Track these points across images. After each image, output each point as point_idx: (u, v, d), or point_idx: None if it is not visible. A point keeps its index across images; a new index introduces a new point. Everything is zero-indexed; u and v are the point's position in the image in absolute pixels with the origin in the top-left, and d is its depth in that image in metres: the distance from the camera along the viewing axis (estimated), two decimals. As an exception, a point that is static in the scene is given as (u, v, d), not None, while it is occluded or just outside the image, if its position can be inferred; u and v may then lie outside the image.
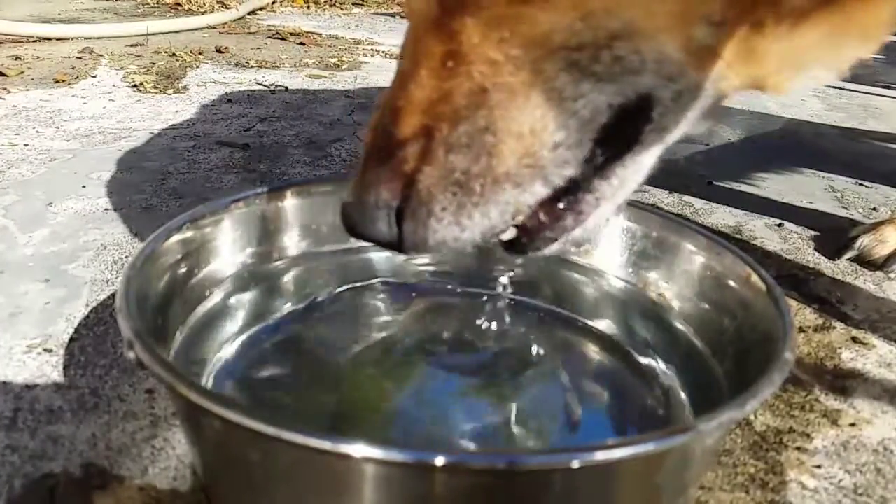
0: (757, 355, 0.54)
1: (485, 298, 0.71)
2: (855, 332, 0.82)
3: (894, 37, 0.45)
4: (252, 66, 2.06)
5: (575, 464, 0.38)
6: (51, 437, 0.58)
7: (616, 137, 0.41)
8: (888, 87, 2.33)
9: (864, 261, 0.99)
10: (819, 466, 0.60)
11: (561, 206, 0.43)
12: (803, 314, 0.85)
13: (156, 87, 1.75)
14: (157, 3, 3.18)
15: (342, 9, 3.59)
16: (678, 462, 0.45)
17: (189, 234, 0.63)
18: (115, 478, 0.54)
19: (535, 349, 0.66)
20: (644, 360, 0.66)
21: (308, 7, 3.51)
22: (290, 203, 0.72)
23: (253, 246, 0.70)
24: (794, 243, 1.06)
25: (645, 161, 0.44)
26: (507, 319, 0.68)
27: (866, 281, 0.95)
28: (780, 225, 1.12)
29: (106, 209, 1.03)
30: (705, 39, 0.38)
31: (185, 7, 3.11)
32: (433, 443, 0.56)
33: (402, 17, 3.43)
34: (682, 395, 0.62)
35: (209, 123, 1.48)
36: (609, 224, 0.72)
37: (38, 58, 1.99)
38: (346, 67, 2.15)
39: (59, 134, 1.36)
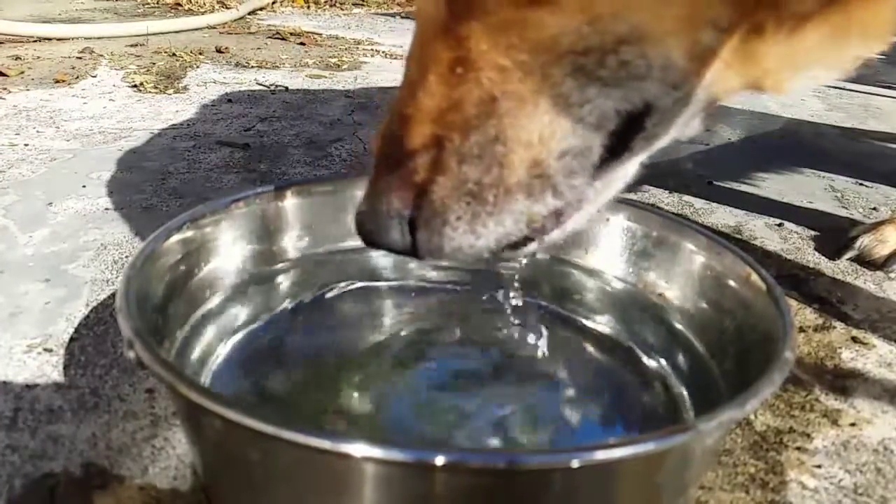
0: (757, 355, 0.54)
1: (485, 298, 0.72)
2: (855, 332, 0.82)
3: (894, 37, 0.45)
4: (252, 66, 2.06)
5: (575, 463, 0.38)
6: (51, 436, 0.58)
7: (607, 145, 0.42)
8: (888, 87, 2.33)
9: (864, 261, 0.99)
10: (819, 466, 0.60)
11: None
12: (803, 314, 0.85)
13: (156, 87, 1.75)
14: (158, 3, 3.18)
15: (342, 9, 3.59)
16: (678, 462, 0.45)
17: (189, 233, 0.63)
18: (115, 477, 0.54)
19: (534, 349, 0.66)
20: (644, 360, 0.66)
21: (308, 7, 3.51)
22: (291, 203, 0.72)
23: (253, 246, 0.70)
24: (795, 243, 1.06)
25: (629, 168, 0.44)
26: (507, 319, 0.68)
27: (866, 281, 0.95)
28: (780, 225, 1.12)
29: (106, 209, 1.03)
30: (709, 44, 0.37)
31: (186, 7, 3.11)
32: (433, 442, 0.56)
33: (402, 18, 3.43)
34: (682, 394, 0.62)
35: (209, 123, 1.48)
36: (609, 224, 0.72)
37: (38, 58, 1.99)
38: (346, 67, 2.15)
39: (60, 134, 1.36)
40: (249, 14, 3.05)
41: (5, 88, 1.64)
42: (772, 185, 1.31)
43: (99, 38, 2.29)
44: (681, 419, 0.59)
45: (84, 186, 1.11)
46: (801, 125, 1.82)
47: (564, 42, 0.37)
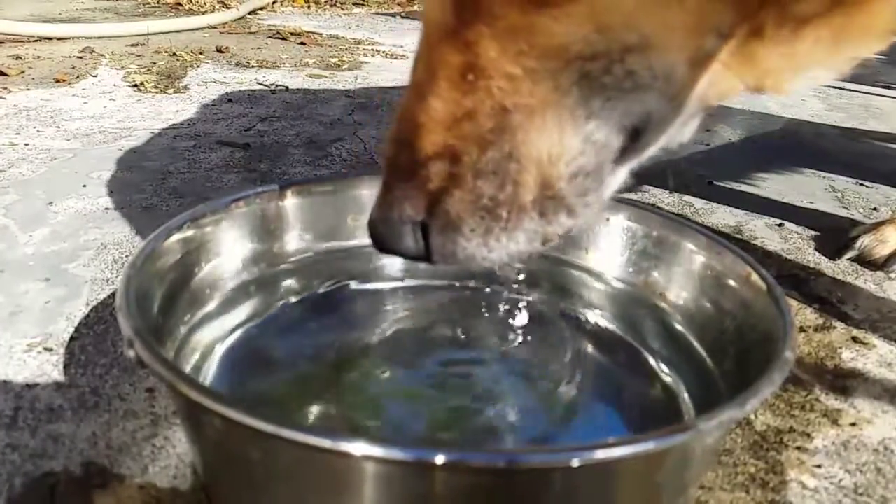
0: (757, 355, 0.54)
1: (484, 297, 0.71)
2: (855, 332, 0.82)
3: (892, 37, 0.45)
4: (253, 66, 2.06)
5: (575, 462, 0.38)
6: (51, 435, 0.58)
7: None
8: (889, 87, 2.33)
9: (864, 261, 0.99)
10: (819, 466, 0.60)
11: None
12: (804, 314, 0.85)
13: (156, 87, 1.75)
14: (158, 2, 3.18)
15: (343, 9, 3.59)
16: (678, 461, 0.45)
17: (189, 233, 0.63)
18: (115, 476, 0.54)
19: (534, 348, 0.66)
20: (644, 360, 0.66)
21: (308, 7, 3.52)
22: (291, 202, 0.72)
23: (253, 245, 0.70)
24: (795, 243, 1.06)
25: (619, 177, 0.44)
26: (507, 318, 0.68)
27: (867, 281, 0.95)
28: (780, 225, 1.12)
29: (106, 208, 1.03)
30: (711, 49, 0.37)
31: (186, 7, 3.11)
32: (433, 441, 0.56)
33: (402, 17, 3.43)
34: (683, 394, 0.62)
35: (210, 123, 1.48)
36: (609, 224, 0.72)
37: (38, 57, 1.99)
38: (346, 67, 2.15)
39: (60, 133, 1.36)
40: (250, 14, 3.05)
41: (6, 88, 1.64)
42: (772, 185, 1.31)
43: (99, 37, 2.29)
44: (681, 419, 0.59)
45: (84, 186, 1.11)
46: (802, 125, 1.82)
47: (573, 49, 0.37)
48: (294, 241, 0.73)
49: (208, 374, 0.61)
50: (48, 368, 0.66)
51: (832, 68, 0.41)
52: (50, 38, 2.22)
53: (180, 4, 3.14)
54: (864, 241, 0.99)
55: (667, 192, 1.23)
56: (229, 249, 0.68)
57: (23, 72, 1.81)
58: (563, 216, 0.42)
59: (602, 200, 0.43)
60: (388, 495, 0.41)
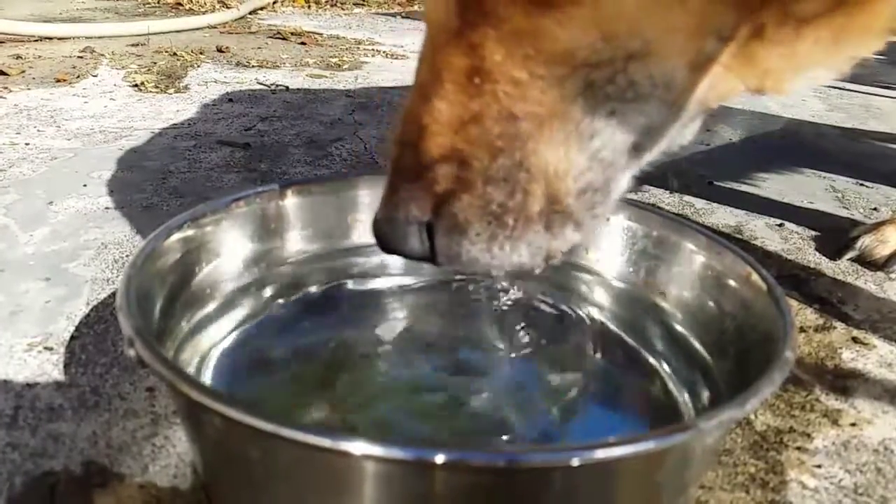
0: (757, 355, 0.54)
1: (485, 301, 0.71)
2: (856, 333, 0.81)
3: (894, 37, 0.45)
4: (253, 66, 2.06)
5: (575, 462, 0.38)
6: (51, 434, 0.58)
7: None
8: (889, 88, 2.33)
9: (864, 261, 0.99)
10: (819, 466, 0.60)
11: None
12: (804, 314, 0.85)
13: (157, 87, 1.75)
14: (159, 2, 3.18)
15: (343, 8, 3.59)
16: (678, 461, 0.45)
17: (189, 232, 0.63)
18: (115, 476, 0.54)
19: (534, 348, 0.66)
20: (644, 360, 0.66)
21: (309, 7, 3.52)
22: (291, 202, 0.72)
23: (253, 245, 0.70)
24: (795, 243, 1.06)
25: (623, 184, 0.45)
26: (507, 318, 0.68)
27: (867, 281, 0.95)
28: (780, 225, 1.12)
29: (107, 208, 1.03)
30: (711, 53, 0.37)
31: (186, 7, 3.11)
32: (433, 440, 0.56)
33: (402, 17, 3.43)
34: (682, 394, 0.62)
35: (210, 123, 1.48)
36: (610, 223, 0.72)
37: (39, 57, 1.99)
38: (346, 67, 2.15)
39: (60, 133, 1.36)
40: (250, 14, 3.05)
41: (6, 87, 1.64)
42: (772, 186, 1.31)
43: (100, 37, 2.29)
44: (680, 418, 0.59)
45: (85, 185, 1.11)
46: (802, 125, 1.82)
47: (579, 55, 0.37)
48: (294, 240, 0.73)
49: (208, 374, 0.61)
50: (48, 368, 0.66)
51: (832, 68, 0.41)
52: (50, 38, 2.22)
53: (181, 4, 3.14)
54: (865, 242, 0.99)
55: (667, 192, 1.23)
56: (229, 249, 0.68)
57: (23, 71, 1.81)
58: (569, 230, 0.42)
59: (608, 210, 0.43)
60: (388, 495, 0.41)
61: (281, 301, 0.71)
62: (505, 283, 0.68)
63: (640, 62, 0.37)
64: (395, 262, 0.76)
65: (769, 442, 0.63)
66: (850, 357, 0.77)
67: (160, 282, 0.59)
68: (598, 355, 0.68)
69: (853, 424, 0.66)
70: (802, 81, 0.41)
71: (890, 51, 0.44)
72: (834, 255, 1.01)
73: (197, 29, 2.60)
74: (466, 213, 0.41)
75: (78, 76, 1.81)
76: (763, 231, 1.10)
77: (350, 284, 0.75)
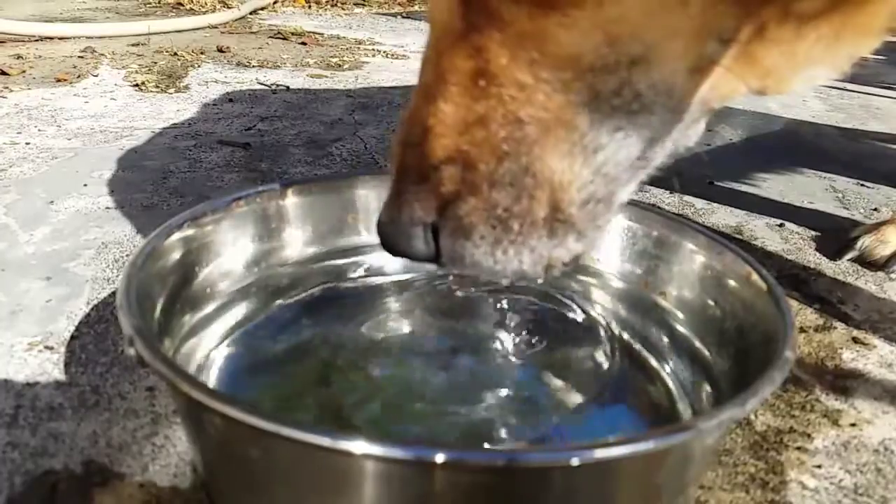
0: (757, 354, 0.54)
1: (486, 300, 0.71)
2: (856, 333, 0.81)
3: (895, 37, 0.45)
4: (253, 66, 2.07)
5: (574, 462, 0.38)
6: (52, 434, 0.58)
7: None
8: (889, 88, 2.33)
9: (865, 261, 0.99)
10: (819, 466, 0.60)
11: None
12: (804, 314, 0.85)
13: (157, 87, 1.75)
14: (159, 2, 3.18)
15: (343, 9, 3.59)
16: (678, 461, 0.45)
17: (190, 232, 0.63)
18: (115, 475, 0.54)
19: (533, 347, 0.66)
20: (644, 359, 0.66)
21: (309, 7, 3.52)
22: (291, 202, 0.72)
23: (254, 244, 0.70)
24: (795, 243, 1.06)
25: (627, 194, 0.45)
26: (506, 318, 0.68)
27: (867, 281, 0.95)
28: (781, 225, 1.12)
29: (107, 208, 1.03)
30: (713, 56, 0.37)
31: (187, 6, 3.11)
32: (433, 440, 0.56)
33: (403, 17, 3.43)
34: (682, 394, 0.62)
35: (210, 122, 1.48)
36: (610, 223, 0.72)
37: (39, 57, 1.99)
38: (347, 67, 2.15)
39: (61, 133, 1.36)
40: (251, 14, 3.05)
41: (7, 87, 1.65)
42: (773, 186, 1.31)
43: (100, 37, 2.29)
44: (680, 418, 0.59)
45: (85, 185, 1.11)
46: (802, 125, 1.82)
47: (584, 60, 0.37)
48: (295, 240, 0.73)
49: (208, 373, 0.61)
50: (49, 367, 0.67)
51: (832, 67, 0.41)
52: (51, 38, 2.22)
53: (181, 4, 3.14)
54: (865, 242, 0.99)
55: (667, 192, 1.23)
56: (230, 249, 0.68)
57: (24, 71, 1.81)
58: (571, 240, 0.42)
59: (610, 221, 0.44)
60: (388, 494, 0.41)
61: (281, 300, 0.71)
62: (505, 283, 0.68)
63: (643, 67, 0.37)
64: (395, 261, 0.76)
65: (769, 442, 0.63)
66: (850, 357, 0.77)
67: (160, 281, 0.59)
68: (598, 355, 0.68)
69: (853, 425, 0.66)
70: (803, 81, 0.41)
71: (890, 51, 0.44)
72: (834, 255, 1.01)
73: (197, 29, 2.60)
74: (472, 215, 0.41)
75: (78, 76, 1.81)
76: (763, 231, 1.10)
77: (350, 284, 0.75)
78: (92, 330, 0.73)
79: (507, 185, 0.40)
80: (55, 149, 1.27)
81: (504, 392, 0.61)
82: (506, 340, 0.67)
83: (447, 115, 0.40)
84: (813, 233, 1.09)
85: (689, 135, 0.44)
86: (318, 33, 2.72)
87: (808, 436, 0.64)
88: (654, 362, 0.66)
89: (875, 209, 1.23)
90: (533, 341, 0.67)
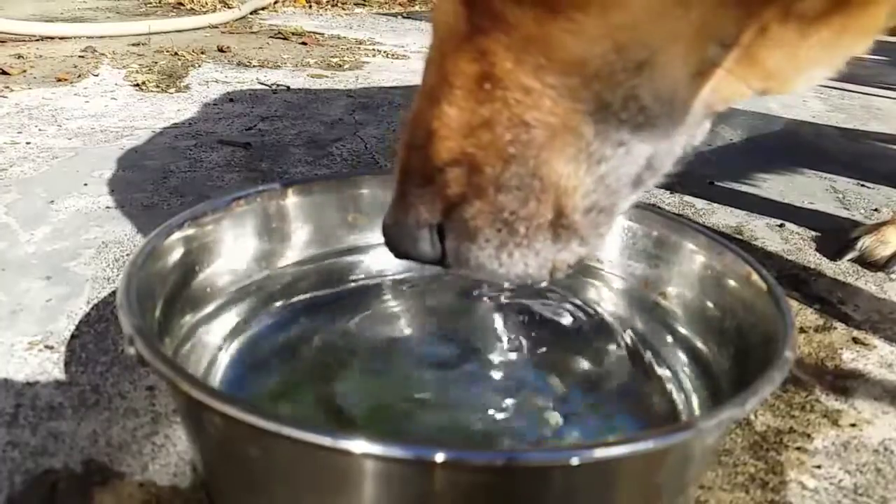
0: (757, 355, 0.54)
1: (485, 299, 0.71)
2: (856, 333, 0.81)
3: (892, 38, 0.45)
4: (254, 66, 2.07)
5: (574, 461, 0.38)
6: (52, 433, 0.58)
7: None
8: (889, 89, 2.33)
9: (865, 261, 0.99)
10: (819, 466, 0.60)
11: None
12: (804, 314, 0.85)
13: (158, 86, 1.75)
14: (160, 2, 3.18)
15: (344, 9, 3.59)
16: (678, 460, 0.45)
17: (190, 231, 0.63)
18: (115, 474, 0.54)
19: (533, 347, 0.66)
20: (644, 359, 0.66)
21: (310, 7, 3.52)
22: (292, 201, 0.72)
23: (254, 244, 0.70)
24: (796, 244, 1.06)
25: (629, 203, 0.45)
26: (506, 318, 0.68)
27: (867, 282, 0.95)
28: (781, 225, 1.12)
29: (107, 207, 1.03)
30: (715, 59, 0.37)
31: (188, 6, 3.11)
32: (433, 440, 0.56)
33: (403, 18, 3.44)
34: (682, 393, 0.62)
35: (211, 122, 1.48)
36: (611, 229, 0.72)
37: (40, 56, 1.99)
38: (347, 67, 2.15)
39: (61, 132, 1.36)
40: (251, 13, 3.05)
41: (7, 87, 1.65)
42: (773, 186, 1.31)
43: (101, 37, 2.29)
44: (680, 418, 0.59)
45: (85, 185, 1.11)
46: (803, 126, 1.82)
47: (590, 66, 0.37)
48: (295, 239, 0.73)
49: (208, 373, 0.61)
50: (49, 366, 0.67)
51: (831, 67, 0.41)
52: (52, 38, 2.22)
53: (182, 4, 3.14)
54: (865, 242, 0.99)
55: (668, 192, 1.23)
56: (230, 248, 0.68)
57: (24, 71, 1.81)
58: (575, 244, 0.42)
59: (611, 229, 0.44)
60: (388, 493, 0.41)
61: (281, 300, 0.71)
62: (507, 283, 0.67)
63: (647, 73, 0.37)
64: (395, 261, 0.76)
65: (769, 442, 0.63)
66: (850, 357, 0.77)
67: (161, 280, 0.59)
68: (598, 355, 0.68)
69: (853, 425, 0.66)
70: (805, 81, 0.41)
71: (891, 51, 0.44)
72: (834, 255, 1.01)
73: (198, 29, 2.60)
74: (478, 218, 0.41)
75: (79, 76, 1.81)
76: (763, 231, 1.10)
77: (351, 284, 0.75)
78: (92, 329, 0.73)
79: (514, 188, 0.40)
80: (56, 148, 1.27)
81: (504, 392, 0.61)
82: (506, 340, 0.67)
83: (452, 117, 0.40)
84: (813, 233, 1.09)
85: (695, 135, 0.44)
86: (319, 33, 2.72)
87: (808, 436, 0.64)
88: (654, 362, 0.66)
89: (875, 210, 1.23)
90: (532, 341, 0.67)
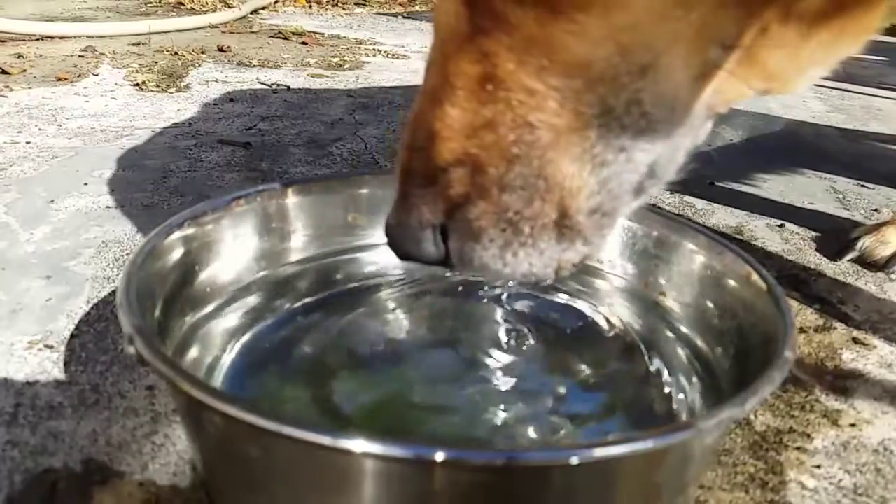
0: (757, 355, 0.54)
1: (486, 300, 0.71)
2: (856, 333, 0.81)
3: (892, 38, 0.45)
4: (254, 66, 2.07)
5: (574, 461, 0.38)
6: (51, 432, 0.58)
7: None
8: (890, 89, 2.33)
9: (865, 262, 0.99)
10: (819, 466, 0.60)
11: None
12: (804, 314, 0.85)
13: (158, 86, 1.75)
14: (160, 2, 3.18)
15: (344, 8, 3.59)
16: (678, 460, 0.45)
17: (190, 231, 0.63)
18: (115, 473, 0.54)
19: (533, 347, 0.66)
20: (644, 359, 0.66)
21: (310, 7, 3.52)
22: (292, 201, 0.72)
23: (254, 244, 0.70)
24: (796, 244, 1.06)
25: (632, 207, 0.45)
26: (507, 318, 0.68)
27: (867, 282, 0.95)
28: (781, 225, 1.12)
29: (107, 207, 1.03)
30: (717, 61, 0.37)
31: (188, 6, 3.11)
32: (433, 440, 0.56)
33: (404, 18, 3.44)
34: (682, 393, 0.62)
35: (211, 122, 1.48)
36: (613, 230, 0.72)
37: (40, 56, 1.99)
38: (347, 67, 2.15)
39: (61, 132, 1.36)
40: (251, 13, 3.05)
41: (8, 86, 1.65)
42: (773, 186, 1.31)
43: (101, 36, 2.29)
44: (680, 418, 0.59)
45: (85, 184, 1.11)
46: (803, 126, 1.82)
47: (594, 69, 0.37)
48: (295, 239, 0.73)
49: (207, 372, 0.61)
50: (48, 366, 0.67)
51: (827, 66, 0.41)
52: (52, 37, 2.22)
53: (182, 4, 3.14)
54: (865, 243, 0.99)
55: (668, 192, 1.23)
56: (230, 248, 0.68)
57: (24, 70, 1.81)
58: (579, 244, 0.42)
59: (613, 230, 0.44)
60: (388, 493, 0.41)
61: (282, 301, 0.71)
62: (510, 283, 0.68)
63: (651, 77, 0.37)
64: (395, 261, 0.76)
65: (769, 442, 0.63)
66: (850, 357, 0.77)
67: (160, 280, 0.59)
68: (598, 355, 0.68)
69: (853, 425, 0.66)
70: (807, 80, 0.41)
71: (891, 51, 0.44)
72: (834, 255, 1.01)
73: (198, 28, 2.60)
74: (481, 218, 0.41)
75: (79, 75, 1.81)
76: (763, 231, 1.10)
77: (351, 284, 0.75)
78: (92, 329, 0.73)
79: (518, 188, 0.40)
80: (55, 148, 1.27)
81: (504, 392, 0.61)
82: (506, 340, 0.67)
83: (454, 118, 0.40)
84: (813, 233, 1.09)
85: (699, 134, 0.44)
86: (319, 33, 2.72)
87: (808, 436, 0.64)
88: (654, 362, 0.66)
89: (875, 210, 1.23)
90: (532, 341, 0.67)
